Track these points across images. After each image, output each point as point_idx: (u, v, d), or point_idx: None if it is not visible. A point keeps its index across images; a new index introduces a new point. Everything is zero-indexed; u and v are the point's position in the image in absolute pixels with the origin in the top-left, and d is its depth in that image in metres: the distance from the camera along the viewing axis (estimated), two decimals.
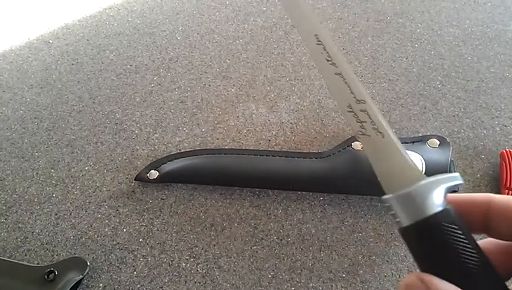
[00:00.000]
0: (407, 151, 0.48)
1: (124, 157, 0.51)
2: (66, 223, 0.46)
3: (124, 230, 0.45)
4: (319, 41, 0.30)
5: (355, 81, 0.28)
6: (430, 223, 0.21)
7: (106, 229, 0.45)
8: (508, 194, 0.46)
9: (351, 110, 0.27)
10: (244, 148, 0.52)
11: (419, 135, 0.52)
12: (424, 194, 0.22)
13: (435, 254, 0.21)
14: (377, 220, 0.46)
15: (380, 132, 0.26)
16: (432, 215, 0.21)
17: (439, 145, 0.48)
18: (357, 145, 0.49)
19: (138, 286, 0.42)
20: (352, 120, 0.27)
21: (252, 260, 0.43)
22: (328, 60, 0.29)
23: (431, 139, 0.49)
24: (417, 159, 0.45)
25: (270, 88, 0.58)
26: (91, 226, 0.46)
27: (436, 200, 0.21)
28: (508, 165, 0.48)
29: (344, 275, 0.42)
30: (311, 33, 0.30)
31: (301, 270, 0.42)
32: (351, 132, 0.52)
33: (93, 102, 0.57)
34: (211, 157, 0.49)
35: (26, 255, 0.44)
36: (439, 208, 0.21)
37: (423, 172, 0.45)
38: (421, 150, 0.47)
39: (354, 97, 0.27)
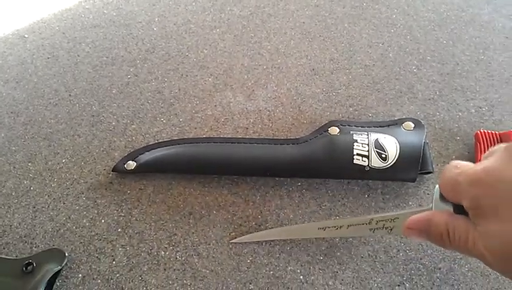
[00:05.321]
0: (383, 135, 0.49)
1: (102, 149, 0.51)
2: (44, 216, 0.46)
3: (103, 221, 0.45)
4: (322, 227, 0.41)
5: (357, 218, 0.40)
6: None
7: (84, 221, 0.45)
8: None
9: (374, 229, 0.39)
10: (221, 136, 0.52)
11: (395, 118, 0.52)
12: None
13: None
14: (353, 203, 0.46)
15: (394, 219, 0.37)
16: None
17: (413, 127, 0.49)
18: (333, 130, 0.49)
19: (117, 275, 0.42)
20: (380, 233, 0.39)
21: (230, 246, 0.43)
22: (336, 228, 0.40)
23: (406, 122, 0.50)
24: (392, 142, 0.46)
25: (247, 76, 0.58)
26: (69, 218, 0.46)
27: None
28: (482, 145, 0.49)
29: (322, 258, 0.43)
30: (314, 230, 0.42)
31: (279, 254, 0.43)
32: (327, 118, 0.53)
33: (70, 95, 0.56)
34: (188, 146, 0.49)
35: (4, 248, 0.44)
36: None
37: (398, 154, 0.46)
38: (396, 133, 0.48)
39: (365, 224, 0.39)
